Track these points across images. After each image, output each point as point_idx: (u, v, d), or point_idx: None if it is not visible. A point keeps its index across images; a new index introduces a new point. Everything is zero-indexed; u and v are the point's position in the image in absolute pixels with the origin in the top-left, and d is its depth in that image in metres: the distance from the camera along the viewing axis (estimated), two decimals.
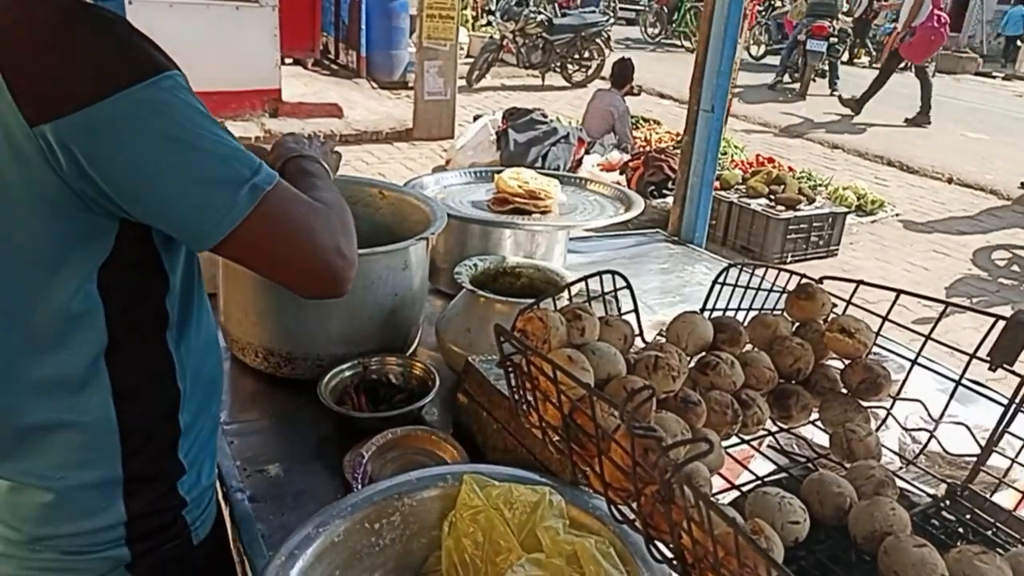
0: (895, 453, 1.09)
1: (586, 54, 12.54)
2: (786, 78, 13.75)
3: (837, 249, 6.42)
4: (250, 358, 1.63)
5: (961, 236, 7.35)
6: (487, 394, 1.34)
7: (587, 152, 7.42)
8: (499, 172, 2.13)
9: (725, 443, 1.02)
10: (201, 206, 0.91)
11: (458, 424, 1.45)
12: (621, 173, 7.11)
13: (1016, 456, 0.95)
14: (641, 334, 1.13)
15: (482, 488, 1.11)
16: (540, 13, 12.61)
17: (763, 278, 1.32)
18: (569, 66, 12.57)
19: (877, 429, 1.08)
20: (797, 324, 1.17)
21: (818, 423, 1.10)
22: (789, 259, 6.12)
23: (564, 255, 2.08)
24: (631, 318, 1.14)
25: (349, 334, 1.59)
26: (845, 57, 15.16)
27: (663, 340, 1.06)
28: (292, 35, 9.26)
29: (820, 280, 1.20)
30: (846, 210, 6.57)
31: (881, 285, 1.15)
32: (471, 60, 11.92)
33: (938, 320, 1.05)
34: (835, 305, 1.18)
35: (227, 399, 1.58)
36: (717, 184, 6.46)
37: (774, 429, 1.10)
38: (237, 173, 0.92)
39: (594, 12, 14.82)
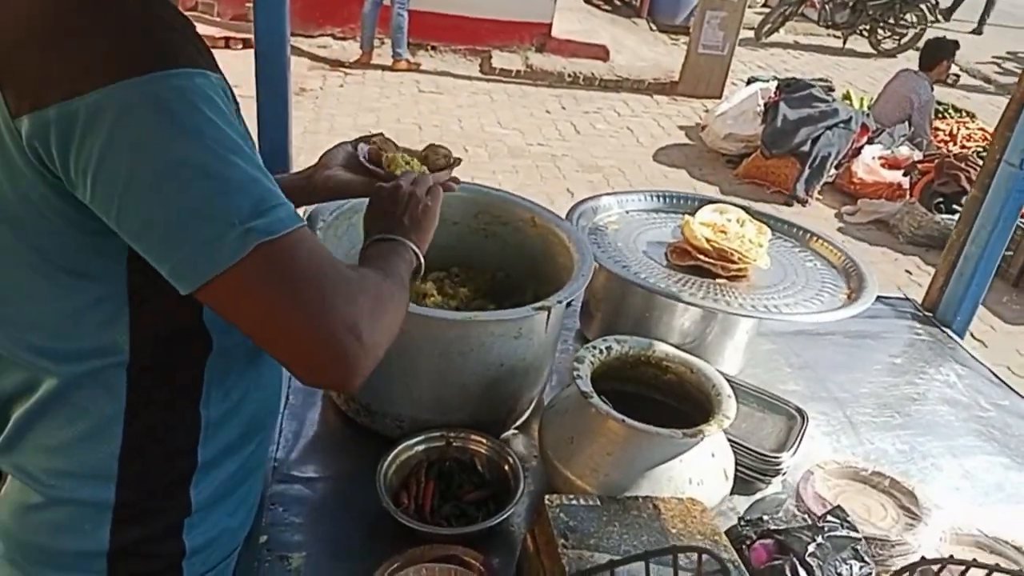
0: None
1: (904, 19, 10.79)
2: None
3: None
4: (334, 394, 1.43)
5: None
6: (551, 556, 1.01)
7: (870, 141, 6.39)
8: (695, 209, 1.70)
9: None
10: (177, 243, 0.74)
11: (521, 569, 1.14)
12: (905, 174, 6.05)
13: None
14: None
15: None
16: None
17: None
18: (880, 31, 10.93)
19: None
20: None
21: None
22: None
23: (752, 333, 1.63)
24: None
25: (437, 399, 1.33)
26: None
27: None
28: None
29: None
30: None
31: None
32: (767, 10, 10.81)
33: None
34: None
35: (297, 432, 1.40)
36: None
37: None
38: (231, 212, 0.73)
39: None
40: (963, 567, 0.75)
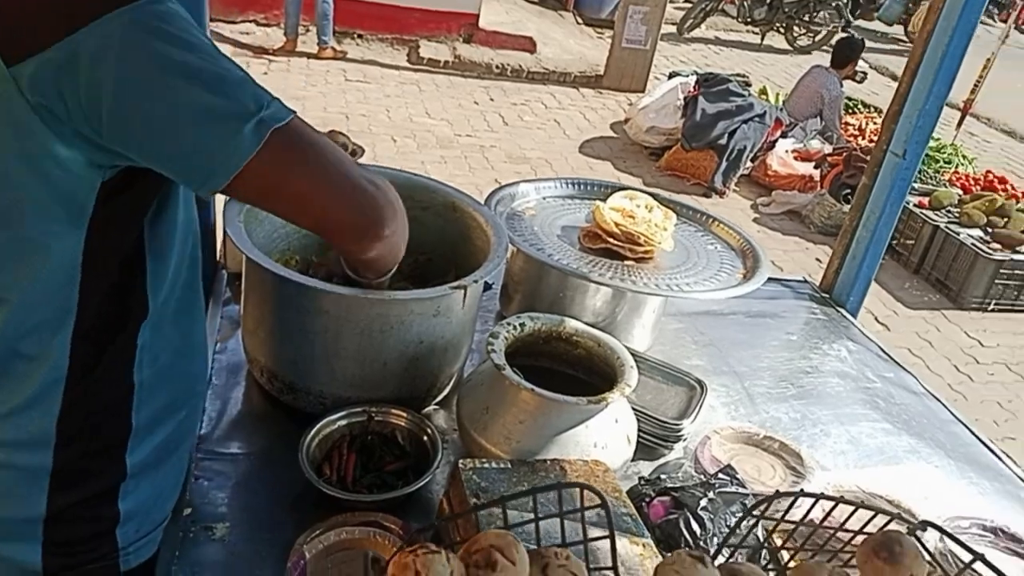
0: None
1: (818, 17, 11.26)
2: None
3: None
4: (256, 373, 1.46)
5: None
6: (465, 519, 1.08)
7: (784, 135, 6.68)
8: (606, 196, 1.79)
9: None
10: (200, 144, 0.82)
11: (439, 533, 1.20)
12: (816, 166, 6.36)
13: None
14: (616, 570, 0.81)
15: None
16: None
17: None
18: (795, 28, 11.37)
19: None
20: None
21: None
22: (992, 307, 5.22)
23: (659, 312, 1.74)
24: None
25: (359, 377, 1.37)
26: None
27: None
28: None
29: (921, 527, 0.82)
30: None
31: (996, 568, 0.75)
32: (689, 5, 11.09)
33: None
34: (933, 570, 0.79)
35: (221, 411, 1.43)
36: (925, 202, 5.60)
37: None
38: (241, 107, 0.81)
39: None
40: (832, 503, 0.85)
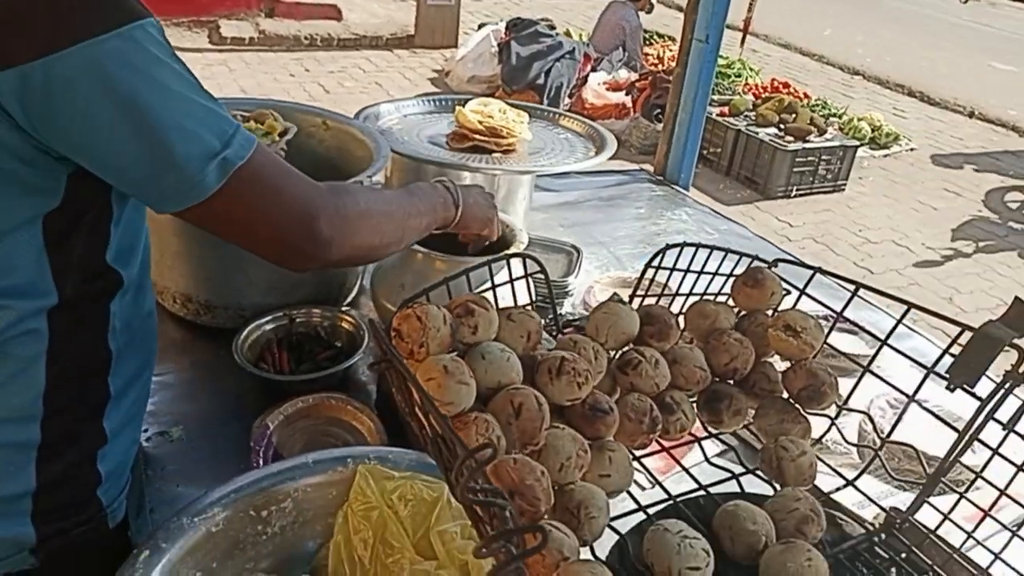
0: (836, 472, 0.98)
1: None
2: None
3: (845, 184, 6.19)
4: (168, 303, 1.51)
5: (976, 174, 7.08)
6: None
7: (594, 69, 7.09)
8: (463, 103, 1.95)
9: (641, 452, 0.91)
10: (161, 179, 0.82)
11: (380, 392, 1.34)
12: (627, 93, 6.82)
13: (964, 490, 0.84)
14: (557, 324, 1.00)
15: (378, 481, 1.01)
16: None
17: (707, 259, 1.17)
18: None
19: (816, 442, 0.96)
20: (742, 314, 1.04)
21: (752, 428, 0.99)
22: (794, 193, 5.91)
23: (528, 199, 1.93)
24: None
25: (275, 282, 1.46)
26: None
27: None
28: None
29: (774, 263, 1.06)
30: (857, 144, 6.30)
31: (839, 276, 1.01)
32: None
33: (895, 327, 0.91)
34: (788, 292, 1.04)
35: None
36: (725, 110, 6.18)
37: (702, 435, 0.98)
38: (205, 147, 0.83)
39: None
40: (707, 250, 1.08)
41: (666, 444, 0.96)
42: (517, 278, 0.94)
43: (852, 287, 0.97)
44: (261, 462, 1.16)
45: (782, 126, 5.97)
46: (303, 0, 8.28)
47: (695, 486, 0.92)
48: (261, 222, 0.91)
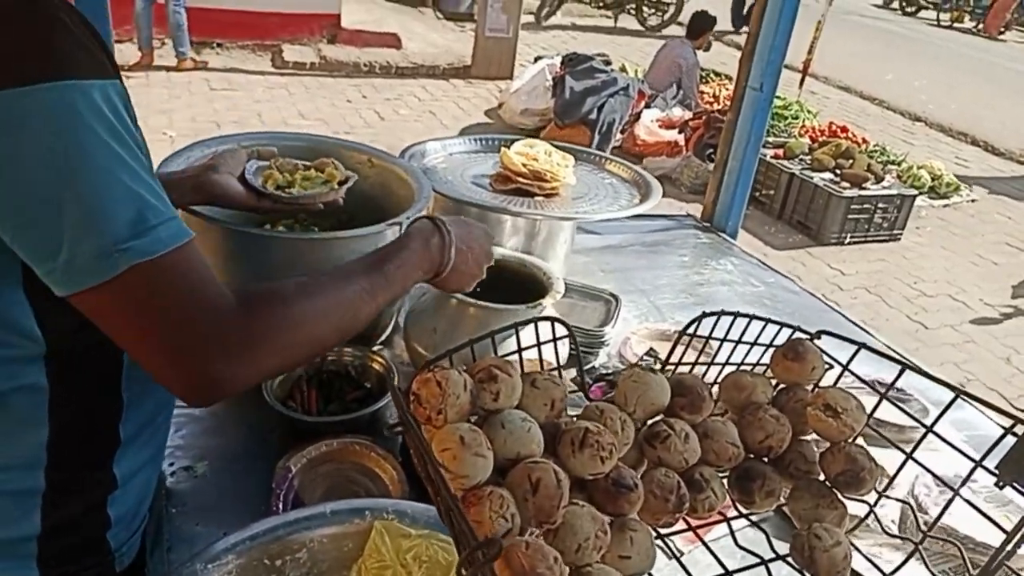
0: (873, 563, 0.92)
1: None
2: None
3: (901, 234, 6.03)
4: None
5: None
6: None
7: (647, 106, 7.08)
8: (508, 144, 1.95)
9: (666, 531, 0.87)
10: (58, 252, 0.74)
11: (405, 448, 1.32)
12: (680, 131, 6.79)
13: None
14: (584, 389, 0.96)
15: (394, 538, 0.99)
16: None
17: (747, 327, 1.13)
18: (644, 8, 11.99)
19: (852, 530, 0.91)
20: (780, 388, 0.99)
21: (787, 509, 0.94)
22: (848, 240, 5.77)
23: (569, 243, 1.91)
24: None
25: None
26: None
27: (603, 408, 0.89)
28: None
29: (816, 335, 1.02)
30: (915, 192, 6.14)
31: (885, 354, 0.96)
32: None
33: (941, 415, 0.86)
34: (830, 367, 0.99)
35: None
36: (780, 152, 6.10)
37: (732, 514, 0.94)
38: (113, 228, 0.74)
39: None
40: (746, 319, 1.03)
41: (693, 523, 0.92)
42: (544, 342, 0.91)
43: (899, 366, 0.93)
44: (281, 507, 1.15)
45: (838, 171, 5.86)
46: (365, 29, 8.47)
47: (720, 571, 0.87)
48: (143, 336, 0.79)
